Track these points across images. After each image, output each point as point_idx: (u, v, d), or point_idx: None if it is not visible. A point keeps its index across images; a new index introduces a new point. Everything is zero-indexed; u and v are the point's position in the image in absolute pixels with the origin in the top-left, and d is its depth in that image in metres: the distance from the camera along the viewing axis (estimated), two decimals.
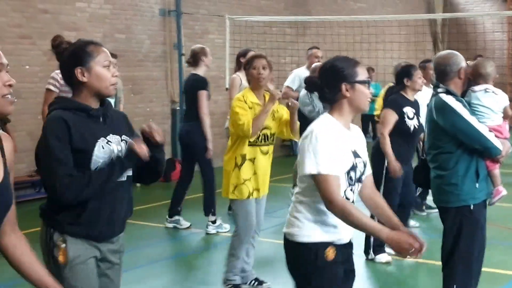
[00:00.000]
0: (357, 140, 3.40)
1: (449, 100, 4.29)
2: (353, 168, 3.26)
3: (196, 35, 12.89)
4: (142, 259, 6.73)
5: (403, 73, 6.38)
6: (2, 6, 9.64)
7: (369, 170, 3.47)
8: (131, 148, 3.11)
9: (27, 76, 9.79)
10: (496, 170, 4.51)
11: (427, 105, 4.57)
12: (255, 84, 5.37)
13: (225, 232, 7.65)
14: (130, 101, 11.11)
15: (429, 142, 4.50)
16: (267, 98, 5.36)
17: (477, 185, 4.31)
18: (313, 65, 7.50)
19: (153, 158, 3.19)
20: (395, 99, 6.33)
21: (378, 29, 14.14)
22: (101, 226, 3.11)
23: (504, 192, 4.57)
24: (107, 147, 3.10)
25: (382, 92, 8.64)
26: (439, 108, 4.33)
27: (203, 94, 7.67)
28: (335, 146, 3.19)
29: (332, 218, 3.24)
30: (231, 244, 5.54)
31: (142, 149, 3.11)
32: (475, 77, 4.60)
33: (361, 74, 3.30)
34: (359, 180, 3.33)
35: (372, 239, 6.35)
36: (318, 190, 3.18)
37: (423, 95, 6.81)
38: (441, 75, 4.44)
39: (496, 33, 16.97)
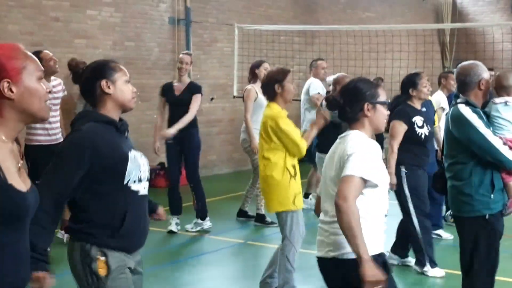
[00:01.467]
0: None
1: (465, 111, 4.31)
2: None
3: (205, 44, 13.02)
4: (146, 262, 6.74)
5: (408, 83, 6.39)
6: (15, 14, 9.82)
7: None
8: None
9: None
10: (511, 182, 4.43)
11: (446, 115, 4.64)
12: (288, 98, 5.44)
13: (229, 237, 7.75)
14: (138, 108, 11.22)
15: (446, 151, 4.54)
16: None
17: (492, 196, 4.31)
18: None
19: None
20: (404, 109, 6.32)
21: (386, 39, 14.19)
22: (136, 238, 3.27)
23: None
24: (135, 162, 3.21)
25: None
26: (455, 119, 4.37)
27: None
28: (376, 158, 3.40)
29: (380, 230, 3.40)
30: (284, 258, 5.37)
31: None
32: (497, 88, 4.59)
33: (382, 95, 3.51)
34: None
35: (424, 253, 6.28)
36: (339, 187, 3.22)
37: (440, 101, 7.22)
38: (462, 86, 4.45)
39: (505, 43, 16.95)
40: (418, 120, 6.30)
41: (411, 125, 6.25)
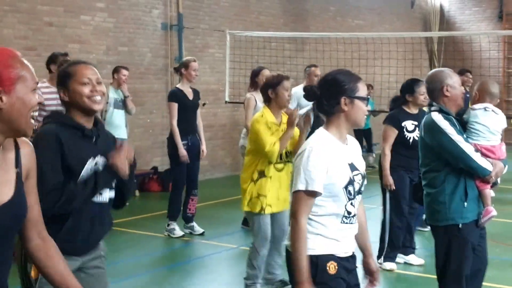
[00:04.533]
0: (354, 152, 3.41)
1: (438, 118, 4.27)
2: (351, 182, 3.27)
3: (197, 49, 13.14)
4: (141, 267, 6.89)
5: (407, 88, 6.62)
6: (9, 19, 9.90)
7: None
8: (112, 163, 3.20)
9: None
10: (487, 190, 4.37)
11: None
12: (281, 104, 5.49)
13: (227, 244, 7.83)
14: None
15: (420, 159, 4.49)
16: (284, 118, 5.52)
17: (465, 204, 4.25)
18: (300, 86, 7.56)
19: (122, 182, 3.33)
20: (395, 114, 6.61)
21: (375, 46, 14.37)
22: (79, 243, 3.20)
23: (493, 212, 4.38)
24: (93, 169, 3.20)
25: None
26: (427, 126, 4.33)
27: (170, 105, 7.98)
28: (328, 163, 3.20)
29: (332, 232, 3.28)
30: (249, 255, 5.69)
31: (123, 164, 3.21)
32: (482, 94, 4.53)
33: (362, 90, 3.30)
34: (359, 192, 3.34)
35: (385, 248, 6.64)
36: (293, 202, 3.25)
37: None
38: (429, 93, 4.46)
39: (491, 52, 17.15)
40: (408, 124, 6.51)
41: (400, 129, 6.50)
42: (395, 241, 6.68)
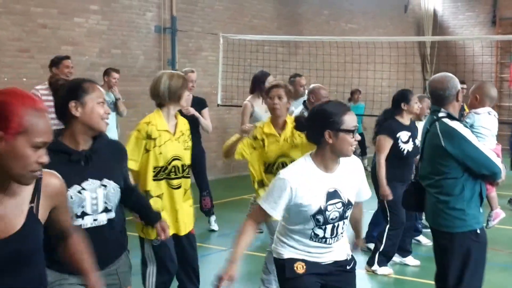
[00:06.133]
0: (343, 179, 3.45)
1: (457, 126, 4.20)
2: (321, 212, 3.37)
3: (190, 52, 13.18)
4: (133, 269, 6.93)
5: (402, 98, 6.59)
6: (3, 20, 9.93)
7: (362, 198, 3.68)
8: None
9: (24, 89, 9.88)
10: (494, 193, 4.48)
11: (424, 129, 4.48)
12: (271, 112, 5.20)
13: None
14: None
15: (430, 167, 4.37)
16: (289, 126, 5.09)
17: (481, 209, 4.29)
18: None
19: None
20: (390, 124, 6.57)
21: (368, 50, 14.43)
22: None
23: (502, 214, 4.47)
24: (77, 197, 3.12)
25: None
26: (448, 135, 4.20)
27: None
28: (296, 192, 3.34)
29: (302, 246, 3.47)
30: (265, 260, 5.62)
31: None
32: (482, 97, 4.56)
33: (348, 122, 3.32)
34: (339, 219, 3.43)
35: (377, 253, 6.69)
36: (254, 212, 3.58)
37: None
38: (440, 99, 4.33)
39: (484, 56, 17.22)
40: (403, 135, 6.53)
41: (395, 140, 6.50)
42: (391, 252, 6.74)
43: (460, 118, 4.56)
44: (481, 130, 4.57)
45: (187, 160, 4.91)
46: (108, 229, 3.28)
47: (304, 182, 3.35)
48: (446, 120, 4.23)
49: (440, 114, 4.29)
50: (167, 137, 4.77)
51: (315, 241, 3.45)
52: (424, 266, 7.00)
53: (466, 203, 4.22)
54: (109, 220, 3.27)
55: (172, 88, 4.77)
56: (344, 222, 3.48)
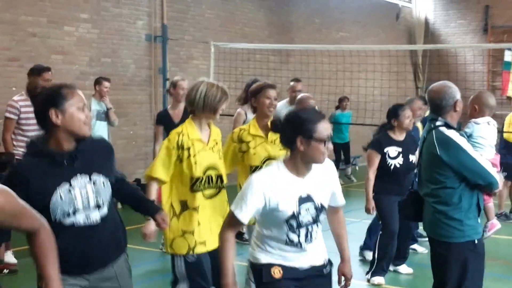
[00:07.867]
0: (315, 184, 3.44)
1: (453, 135, 4.17)
2: (294, 216, 3.36)
3: (181, 61, 13.13)
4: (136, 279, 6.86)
5: (392, 113, 6.64)
6: None
7: (337, 203, 3.65)
8: None
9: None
10: (491, 204, 4.45)
11: (422, 137, 4.45)
12: (262, 113, 5.03)
13: None
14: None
15: (427, 176, 4.35)
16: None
17: (479, 219, 4.25)
18: (298, 97, 7.19)
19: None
20: (378, 139, 6.68)
21: (360, 59, 14.42)
22: (73, 264, 3.15)
23: (498, 225, 4.41)
24: (66, 196, 3.11)
25: None
26: (443, 144, 4.19)
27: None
28: (268, 196, 3.31)
29: (278, 251, 3.45)
30: None
31: None
32: (481, 107, 4.53)
33: (321, 131, 3.28)
34: (312, 223, 3.43)
35: (375, 263, 6.69)
36: (226, 215, 3.51)
37: None
38: (438, 109, 4.30)
39: (476, 65, 17.26)
40: (391, 150, 6.57)
41: (383, 155, 6.57)
42: (383, 262, 6.71)
43: (459, 127, 4.52)
44: (480, 140, 4.54)
45: (222, 169, 4.67)
46: (101, 227, 3.24)
47: (276, 187, 3.34)
48: (443, 129, 4.21)
49: (438, 123, 4.27)
50: (200, 146, 4.55)
51: (290, 246, 3.44)
52: (417, 274, 6.99)
53: (464, 214, 4.18)
54: (102, 219, 3.24)
55: (207, 99, 4.53)
56: (317, 225, 3.49)
